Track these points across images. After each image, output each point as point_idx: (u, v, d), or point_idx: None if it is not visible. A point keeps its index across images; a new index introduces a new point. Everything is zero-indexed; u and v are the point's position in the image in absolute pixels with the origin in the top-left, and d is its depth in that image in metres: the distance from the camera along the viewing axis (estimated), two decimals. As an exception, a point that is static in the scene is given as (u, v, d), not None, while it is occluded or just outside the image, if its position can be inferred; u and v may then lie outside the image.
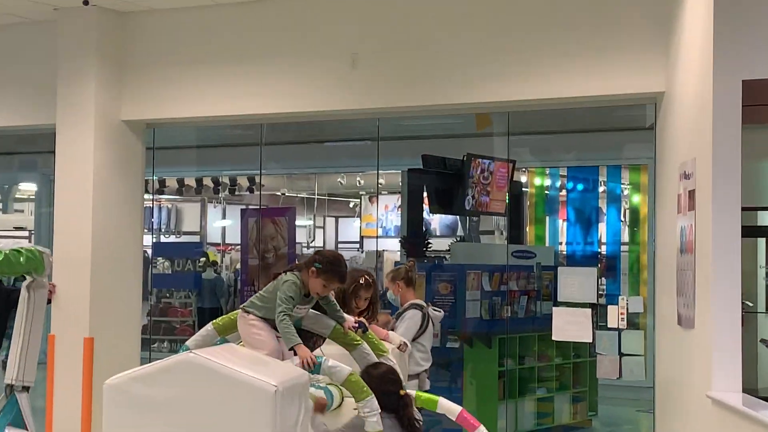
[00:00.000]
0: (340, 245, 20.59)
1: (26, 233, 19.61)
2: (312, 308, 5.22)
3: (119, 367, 4.30)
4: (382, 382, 5.09)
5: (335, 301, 5.27)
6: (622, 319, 7.59)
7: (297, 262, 5.22)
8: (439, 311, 7.62)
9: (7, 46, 10.12)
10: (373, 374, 5.13)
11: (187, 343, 5.19)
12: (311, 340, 5.25)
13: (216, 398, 3.83)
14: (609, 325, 7.66)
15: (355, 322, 5.37)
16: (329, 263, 5.03)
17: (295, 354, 4.79)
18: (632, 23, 7.67)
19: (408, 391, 5.47)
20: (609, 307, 7.71)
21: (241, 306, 5.14)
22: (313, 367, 4.75)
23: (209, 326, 5.26)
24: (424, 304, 7.46)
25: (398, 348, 6.04)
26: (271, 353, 4.85)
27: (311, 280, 5.00)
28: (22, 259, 4.39)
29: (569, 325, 7.74)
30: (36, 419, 5.84)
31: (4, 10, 9.55)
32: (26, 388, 4.49)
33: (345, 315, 5.32)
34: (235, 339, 5.18)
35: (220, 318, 5.33)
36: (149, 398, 3.88)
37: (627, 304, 7.67)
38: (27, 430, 4.47)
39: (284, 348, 4.92)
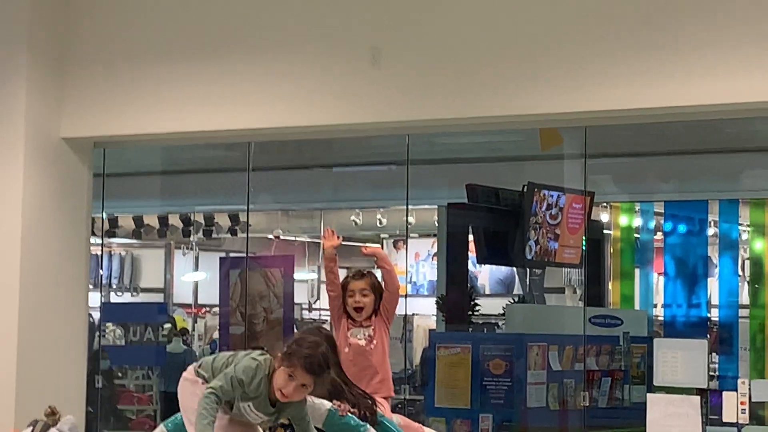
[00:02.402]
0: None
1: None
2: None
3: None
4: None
5: (309, 421, 5.10)
6: (743, 410, 7.55)
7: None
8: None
9: None
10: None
11: None
12: None
13: None
14: (725, 420, 7.63)
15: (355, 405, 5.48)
16: (296, 343, 4.90)
17: None
18: (746, 10, 7.66)
19: None
20: (724, 393, 7.69)
21: (194, 365, 5.16)
22: None
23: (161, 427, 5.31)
24: None
25: None
26: None
27: (276, 372, 4.89)
28: None
29: (670, 419, 7.71)
30: None
31: None
32: None
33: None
34: None
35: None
36: None
37: (749, 389, 7.64)
38: None
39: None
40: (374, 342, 6.39)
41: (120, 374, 15.42)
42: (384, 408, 6.16)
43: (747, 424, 7.60)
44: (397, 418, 6.07)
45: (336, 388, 5.50)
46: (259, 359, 4.88)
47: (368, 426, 5.32)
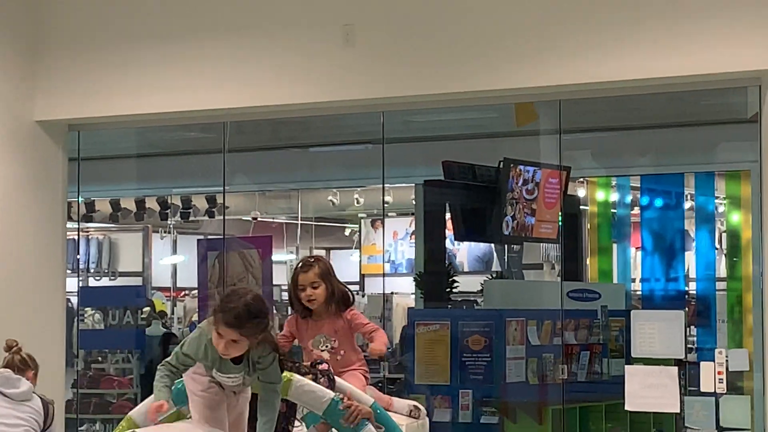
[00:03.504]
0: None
1: None
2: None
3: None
4: None
5: (272, 359, 4.88)
6: (721, 380, 7.59)
7: None
8: None
9: None
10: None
11: (131, 414, 5.23)
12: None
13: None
14: (702, 390, 7.67)
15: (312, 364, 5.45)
16: (219, 301, 4.75)
17: None
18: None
19: None
20: (702, 364, 7.73)
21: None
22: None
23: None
24: None
25: (409, 415, 6.08)
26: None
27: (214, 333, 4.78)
28: None
29: (648, 390, 7.75)
30: None
31: None
32: None
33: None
34: None
35: (125, 421, 5.32)
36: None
37: (727, 359, 7.68)
38: None
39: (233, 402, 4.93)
40: (340, 354, 6.02)
41: (100, 359, 15.39)
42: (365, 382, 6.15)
43: (725, 394, 7.64)
44: (370, 391, 6.05)
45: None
46: (202, 326, 4.80)
47: (368, 424, 5.27)
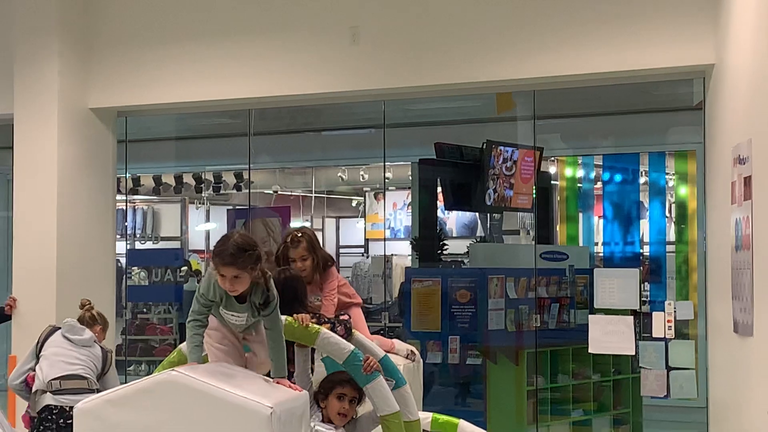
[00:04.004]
0: (341, 249, 20.57)
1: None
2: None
3: (90, 390, 4.31)
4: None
5: (274, 307, 4.70)
6: (670, 327, 7.58)
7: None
8: None
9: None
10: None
11: (181, 346, 5.14)
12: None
13: (203, 423, 3.84)
14: (654, 335, 7.65)
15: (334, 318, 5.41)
16: (214, 246, 4.57)
17: None
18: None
19: (422, 414, 5.52)
20: (654, 314, 7.70)
21: None
22: None
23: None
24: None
25: (407, 357, 6.06)
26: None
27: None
28: None
29: (608, 336, 7.73)
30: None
31: (-50, -17, 9.58)
32: None
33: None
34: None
35: (175, 352, 5.24)
36: (127, 424, 3.88)
37: (675, 310, 7.67)
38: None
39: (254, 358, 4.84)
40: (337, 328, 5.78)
41: (145, 310, 15.41)
42: (357, 317, 6.14)
43: (673, 339, 7.64)
44: (377, 340, 6.03)
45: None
46: (210, 270, 4.64)
47: (380, 375, 5.19)
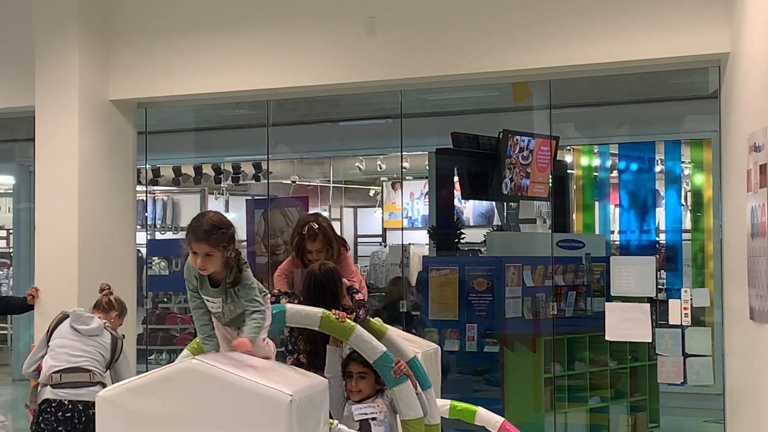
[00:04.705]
0: (359, 239, 20.59)
1: (3, 233, 19.75)
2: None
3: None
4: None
5: (252, 285, 4.43)
6: (686, 315, 7.57)
7: None
8: None
9: (-25, 19, 10.18)
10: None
11: None
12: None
13: (223, 410, 3.84)
14: (671, 323, 7.65)
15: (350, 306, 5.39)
16: (189, 224, 4.35)
17: None
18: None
19: (440, 401, 5.53)
20: (670, 301, 7.70)
21: None
22: None
23: (184, 352, 5.16)
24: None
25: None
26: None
27: None
28: None
29: (625, 323, 7.73)
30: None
31: (-28, -22, 9.62)
32: None
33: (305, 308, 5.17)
34: None
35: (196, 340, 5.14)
36: (147, 412, 3.89)
37: (691, 297, 7.66)
38: None
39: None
40: None
41: (165, 299, 15.47)
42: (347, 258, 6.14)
43: (689, 326, 7.63)
44: (395, 330, 6.03)
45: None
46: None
47: (408, 380, 5.15)
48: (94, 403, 6.82)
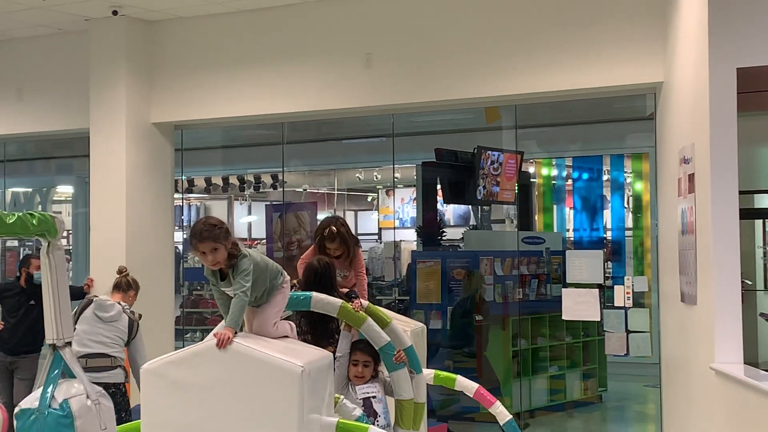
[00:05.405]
0: (359, 237, 20.59)
1: (64, 233, 19.66)
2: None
3: (155, 355, 4.29)
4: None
5: (245, 273, 4.14)
6: (628, 298, 7.59)
7: None
8: None
9: (42, 56, 10.17)
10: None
11: None
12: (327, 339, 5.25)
13: (245, 379, 3.84)
14: (616, 304, 7.66)
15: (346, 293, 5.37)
16: (189, 233, 4.15)
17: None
18: (631, 16, 7.65)
19: (425, 370, 5.51)
20: (615, 287, 7.72)
21: None
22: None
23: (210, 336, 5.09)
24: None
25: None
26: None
27: None
28: (34, 221, 4.45)
29: (578, 305, 7.73)
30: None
31: (38, 21, 9.60)
32: (68, 344, 4.57)
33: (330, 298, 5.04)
34: None
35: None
36: (184, 381, 3.88)
37: (632, 283, 7.68)
38: (75, 377, 4.57)
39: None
40: (347, 279, 5.93)
41: (199, 287, 15.41)
42: (359, 254, 6.11)
43: (631, 308, 7.63)
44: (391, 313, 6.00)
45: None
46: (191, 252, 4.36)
47: (405, 367, 5.11)
48: (114, 384, 6.79)
